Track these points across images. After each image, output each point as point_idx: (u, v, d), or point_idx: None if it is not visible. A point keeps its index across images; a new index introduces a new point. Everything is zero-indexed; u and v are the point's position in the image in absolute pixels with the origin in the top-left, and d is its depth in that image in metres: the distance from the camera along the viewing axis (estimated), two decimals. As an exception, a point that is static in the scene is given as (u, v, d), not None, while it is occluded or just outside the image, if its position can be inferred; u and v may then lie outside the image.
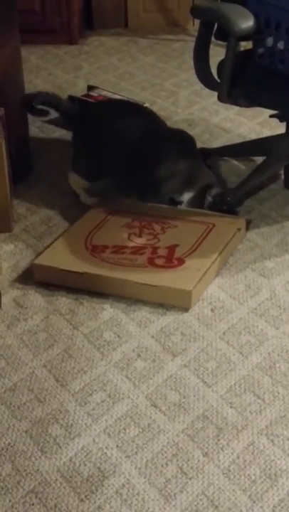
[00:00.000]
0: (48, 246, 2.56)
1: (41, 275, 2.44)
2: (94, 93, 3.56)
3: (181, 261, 2.41)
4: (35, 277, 2.45)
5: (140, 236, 2.55)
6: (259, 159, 3.01)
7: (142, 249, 2.47)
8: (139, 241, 2.52)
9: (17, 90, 2.96)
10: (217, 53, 2.74)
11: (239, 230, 2.58)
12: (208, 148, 3.11)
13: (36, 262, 2.47)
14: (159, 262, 2.41)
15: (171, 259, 2.42)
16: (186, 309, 2.30)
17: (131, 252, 2.47)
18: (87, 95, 3.55)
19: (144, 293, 2.33)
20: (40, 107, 3.04)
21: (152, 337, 2.21)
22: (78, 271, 2.38)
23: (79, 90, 3.77)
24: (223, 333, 2.22)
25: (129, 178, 2.75)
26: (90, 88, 3.67)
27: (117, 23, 4.77)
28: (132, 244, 2.51)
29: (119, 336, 2.21)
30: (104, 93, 3.55)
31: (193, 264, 2.39)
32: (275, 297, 2.36)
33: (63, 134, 3.43)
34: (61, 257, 2.46)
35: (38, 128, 3.47)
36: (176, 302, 2.31)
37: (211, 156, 3.05)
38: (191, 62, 2.79)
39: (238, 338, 2.20)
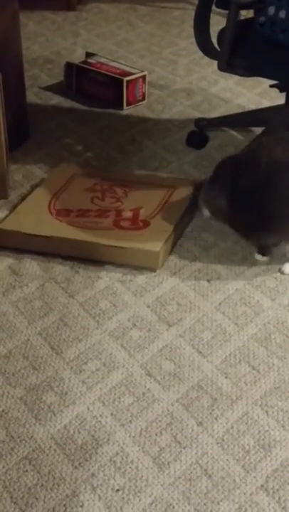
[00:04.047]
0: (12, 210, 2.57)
1: (6, 240, 2.44)
2: (92, 60, 3.53)
3: (146, 223, 2.44)
4: (1, 242, 2.45)
5: (103, 199, 2.57)
6: (258, 130, 2.99)
7: (106, 213, 2.49)
8: (102, 204, 2.54)
9: (15, 56, 2.93)
10: (217, 22, 2.71)
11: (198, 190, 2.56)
12: (206, 118, 3.09)
13: (0, 227, 2.47)
14: (125, 224, 2.44)
15: (137, 222, 2.45)
16: (153, 269, 2.33)
17: (96, 215, 2.48)
18: (85, 62, 3.52)
19: (112, 255, 2.35)
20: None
21: (148, 306, 2.20)
22: (45, 235, 2.38)
23: (77, 57, 3.73)
24: (219, 304, 2.22)
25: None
26: (88, 55, 3.64)
27: (117, -10, 4.72)
28: (96, 207, 2.52)
29: (114, 305, 2.21)
30: (102, 60, 3.52)
31: (158, 225, 2.42)
32: (272, 269, 2.35)
33: (61, 101, 3.41)
34: (26, 222, 2.46)
35: (35, 95, 3.44)
36: (144, 263, 2.34)
37: (209, 126, 3.03)
38: (191, 31, 2.77)
39: (234, 309, 2.20)
